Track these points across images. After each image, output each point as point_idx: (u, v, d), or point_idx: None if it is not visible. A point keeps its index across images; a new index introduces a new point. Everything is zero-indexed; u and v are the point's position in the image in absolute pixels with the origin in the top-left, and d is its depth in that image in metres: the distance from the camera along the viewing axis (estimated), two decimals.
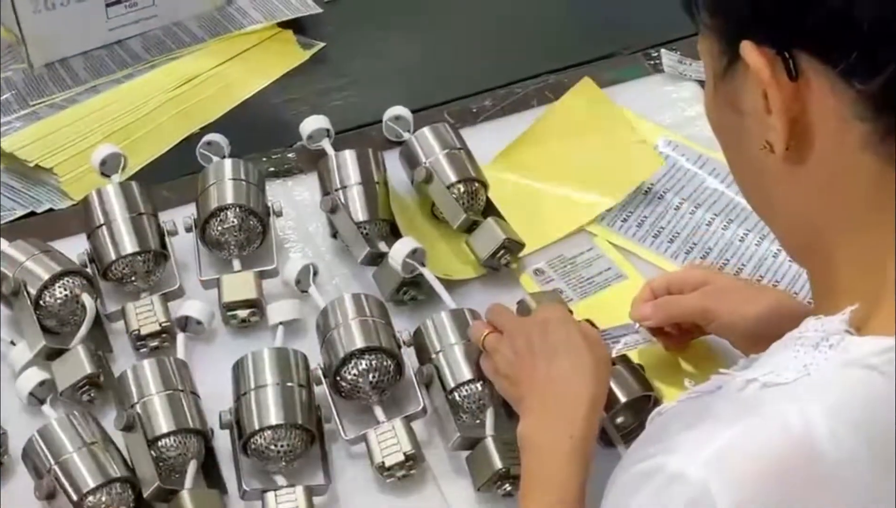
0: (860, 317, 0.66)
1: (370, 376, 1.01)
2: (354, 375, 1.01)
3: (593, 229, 1.22)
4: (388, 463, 0.98)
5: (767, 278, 1.15)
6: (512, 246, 1.15)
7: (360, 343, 1.02)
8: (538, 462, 0.88)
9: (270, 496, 0.96)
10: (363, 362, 1.02)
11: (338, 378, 1.02)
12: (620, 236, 1.21)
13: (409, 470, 0.99)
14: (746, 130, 0.69)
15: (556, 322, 0.95)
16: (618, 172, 1.25)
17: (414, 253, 1.09)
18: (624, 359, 1.01)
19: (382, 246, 1.15)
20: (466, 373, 1.01)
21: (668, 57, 1.39)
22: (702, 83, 1.34)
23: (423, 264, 1.10)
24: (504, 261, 1.15)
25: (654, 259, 1.19)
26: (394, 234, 1.16)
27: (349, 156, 1.18)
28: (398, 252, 1.09)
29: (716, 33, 0.68)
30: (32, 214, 1.24)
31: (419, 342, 1.05)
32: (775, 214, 0.74)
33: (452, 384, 1.01)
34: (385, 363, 1.02)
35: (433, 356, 1.03)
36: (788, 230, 0.74)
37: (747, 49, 0.65)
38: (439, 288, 1.10)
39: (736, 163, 0.74)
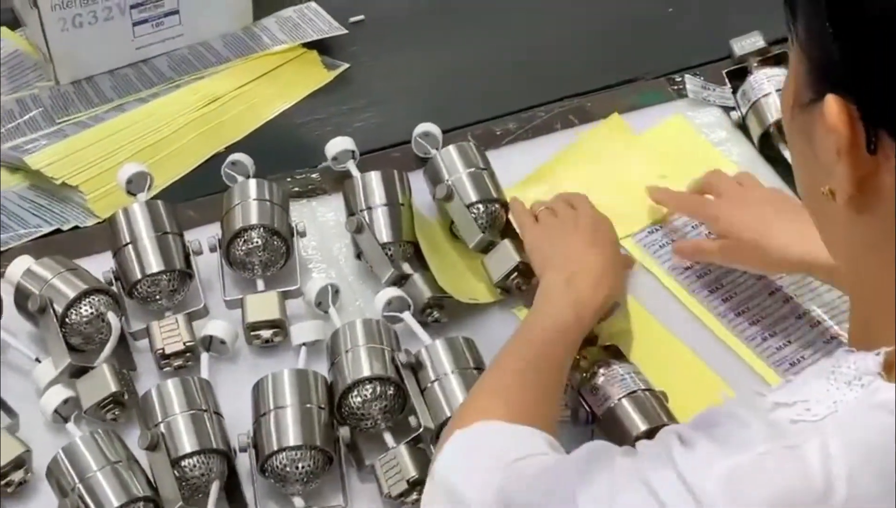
0: (893, 360, 0.65)
1: (374, 404, 1.01)
2: (359, 403, 1.01)
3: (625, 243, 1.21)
4: (393, 493, 0.98)
5: (806, 297, 1.15)
6: (526, 269, 1.14)
7: (366, 372, 1.01)
8: (542, 299, 1.04)
9: None
10: (367, 389, 1.01)
11: (343, 409, 1.02)
12: (648, 255, 1.21)
13: (419, 495, 0.97)
14: (815, 161, 0.67)
15: (605, 222, 1.15)
16: (636, 206, 1.25)
17: (389, 304, 1.10)
18: (648, 388, 1.01)
19: (406, 268, 1.15)
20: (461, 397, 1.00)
21: (691, 82, 1.39)
22: (725, 109, 1.36)
23: (408, 307, 1.11)
24: (517, 284, 1.14)
25: (670, 284, 1.18)
26: (418, 256, 1.16)
27: (374, 177, 1.19)
28: (379, 302, 1.10)
29: (808, 59, 0.66)
30: (58, 231, 1.25)
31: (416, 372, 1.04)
32: (830, 239, 0.73)
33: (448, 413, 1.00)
34: (388, 390, 1.02)
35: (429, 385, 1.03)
36: (840, 256, 0.73)
37: (830, 104, 0.63)
38: (417, 328, 1.09)
39: (802, 182, 0.73)
